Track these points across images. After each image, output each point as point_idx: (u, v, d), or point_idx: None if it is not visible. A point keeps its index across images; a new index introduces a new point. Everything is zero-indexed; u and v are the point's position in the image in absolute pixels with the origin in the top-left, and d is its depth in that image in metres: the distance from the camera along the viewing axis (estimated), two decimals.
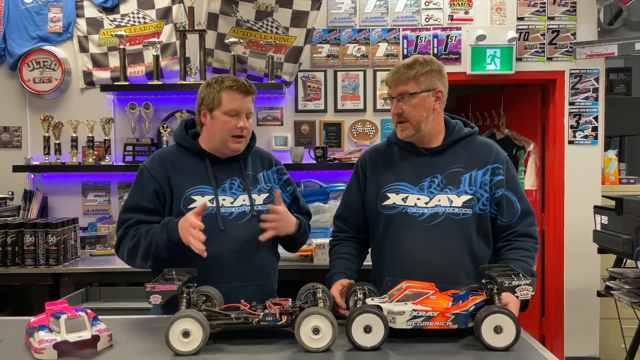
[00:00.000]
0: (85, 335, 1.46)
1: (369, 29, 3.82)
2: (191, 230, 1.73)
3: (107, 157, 3.63)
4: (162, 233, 1.79)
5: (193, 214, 1.76)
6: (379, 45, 3.83)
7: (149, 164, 1.96)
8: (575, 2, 3.83)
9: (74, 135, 3.61)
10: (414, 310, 1.50)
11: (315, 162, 3.65)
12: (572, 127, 3.89)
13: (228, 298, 1.70)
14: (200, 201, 1.87)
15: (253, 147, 2.07)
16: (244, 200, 1.94)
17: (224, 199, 1.92)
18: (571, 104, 3.89)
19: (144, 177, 1.93)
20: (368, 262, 2.04)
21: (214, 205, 1.89)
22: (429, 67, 1.84)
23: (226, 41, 3.61)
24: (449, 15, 3.82)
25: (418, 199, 1.85)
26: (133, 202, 1.92)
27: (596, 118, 3.88)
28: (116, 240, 1.93)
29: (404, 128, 1.86)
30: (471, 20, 3.82)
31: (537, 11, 3.83)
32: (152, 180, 1.91)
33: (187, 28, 3.58)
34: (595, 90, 3.86)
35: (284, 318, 1.52)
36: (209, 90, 1.93)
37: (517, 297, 1.51)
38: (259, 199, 1.98)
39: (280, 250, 2.11)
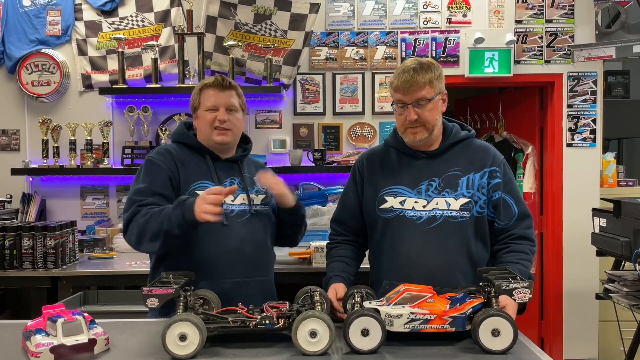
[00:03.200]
0: (82, 339, 1.46)
1: (368, 32, 3.83)
2: (207, 197, 1.67)
3: (106, 160, 3.63)
4: (177, 210, 1.73)
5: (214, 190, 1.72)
6: (377, 48, 3.83)
7: (156, 155, 1.96)
8: (573, 5, 3.84)
9: (73, 138, 3.61)
10: (412, 313, 1.50)
11: (313, 164, 3.65)
12: (570, 129, 3.89)
13: (230, 295, 1.72)
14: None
15: (249, 151, 2.12)
16: (243, 199, 1.98)
17: None
18: (569, 106, 3.89)
19: (154, 165, 1.92)
20: (366, 264, 2.04)
21: None
22: (439, 71, 1.86)
23: (225, 44, 3.61)
24: (447, 18, 3.83)
25: (416, 202, 1.85)
26: (147, 187, 1.86)
27: (594, 121, 3.88)
28: (126, 219, 1.85)
29: (418, 132, 1.84)
30: (469, 23, 3.83)
31: (535, 14, 3.84)
32: (163, 169, 1.91)
33: (185, 31, 3.58)
34: (594, 92, 3.87)
35: (281, 321, 1.52)
36: (193, 94, 2.02)
37: (515, 299, 1.50)
38: (257, 199, 2.02)
39: (277, 252, 2.15)
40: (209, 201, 1.68)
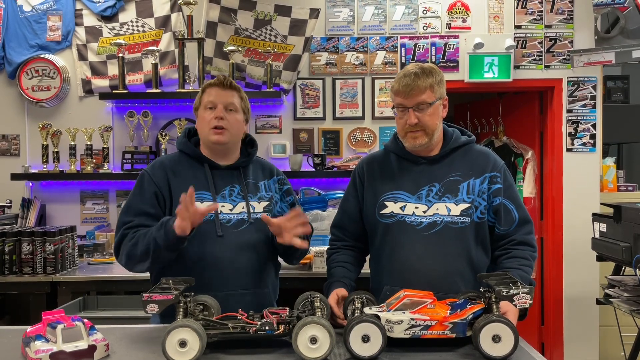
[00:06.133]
0: (82, 345, 1.46)
1: (367, 37, 3.83)
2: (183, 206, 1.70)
3: (106, 165, 3.63)
4: (160, 231, 1.77)
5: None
6: (377, 54, 3.84)
7: (149, 169, 1.98)
8: (572, 10, 3.85)
9: (73, 143, 3.61)
10: (412, 319, 1.50)
11: (313, 169, 3.65)
12: (570, 134, 3.90)
13: (225, 306, 1.70)
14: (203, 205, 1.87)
15: (254, 155, 2.07)
16: (243, 208, 1.94)
17: (223, 206, 1.92)
18: (569, 111, 3.89)
19: (144, 181, 1.94)
20: (366, 270, 2.03)
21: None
22: (440, 76, 1.87)
23: (225, 49, 3.62)
24: (447, 24, 3.84)
25: (416, 207, 1.85)
26: (134, 206, 1.91)
27: (594, 125, 3.88)
28: (115, 242, 1.91)
29: (418, 136, 1.85)
30: (469, 28, 3.84)
31: (535, 19, 3.85)
32: (152, 184, 1.92)
33: (185, 36, 3.59)
34: (593, 97, 3.87)
35: (282, 327, 1.51)
36: (197, 96, 2.00)
37: (516, 305, 1.50)
38: (259, 206, 1.98)
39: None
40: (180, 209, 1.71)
